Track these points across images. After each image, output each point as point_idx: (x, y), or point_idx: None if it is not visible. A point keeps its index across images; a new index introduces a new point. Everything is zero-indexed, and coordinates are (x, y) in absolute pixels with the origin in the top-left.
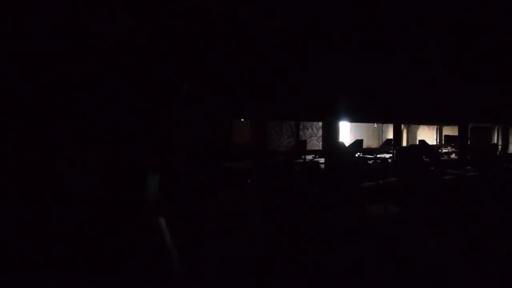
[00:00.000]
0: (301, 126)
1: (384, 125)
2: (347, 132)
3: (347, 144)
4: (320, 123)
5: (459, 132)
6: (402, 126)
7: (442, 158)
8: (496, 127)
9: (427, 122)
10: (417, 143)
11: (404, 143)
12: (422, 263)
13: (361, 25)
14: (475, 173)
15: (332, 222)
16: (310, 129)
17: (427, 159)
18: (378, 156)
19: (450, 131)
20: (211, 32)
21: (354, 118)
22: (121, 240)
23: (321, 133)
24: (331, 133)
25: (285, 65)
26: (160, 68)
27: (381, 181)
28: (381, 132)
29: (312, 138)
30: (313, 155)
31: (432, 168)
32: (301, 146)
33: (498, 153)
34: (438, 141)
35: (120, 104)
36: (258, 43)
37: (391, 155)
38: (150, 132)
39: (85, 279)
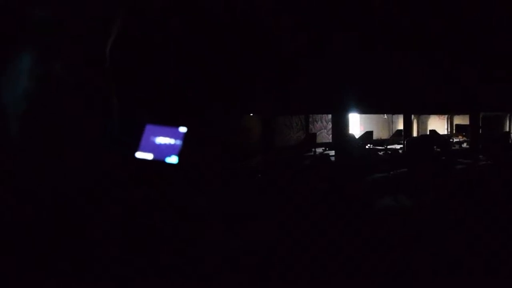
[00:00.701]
0: (310, 119)
1: (394, 116)
2: (357, 124)
3: (357, 136)
4: (330, 116)
5: (470, 121)
6: (413, 116)
7: (453, 148)
8: (508, 115)
9: (436, 112)
10: (428, 133)
11: (415, 134)
12: (421, 262)
13: (366, 18)
14: (486, 162)
15: (333, 220)
16: (319, 122)
17: (438, 149)
18: (388, 147)
19: (461, 120)
20: (215, 30)
21: (362, 110)
22: (123, 240)
23: (331, 126)
24: (340, 125)
25: (292, 59)
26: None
27: (391, 172)
28: (391, 123)
29: (322, 131)
30: (323, 148)
31: (443, 158)
32: (311, 140)
33: (510, 142)
34: (449, 130)
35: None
36: (262, 39)
37: (401, 146)
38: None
39: (85, 279)
